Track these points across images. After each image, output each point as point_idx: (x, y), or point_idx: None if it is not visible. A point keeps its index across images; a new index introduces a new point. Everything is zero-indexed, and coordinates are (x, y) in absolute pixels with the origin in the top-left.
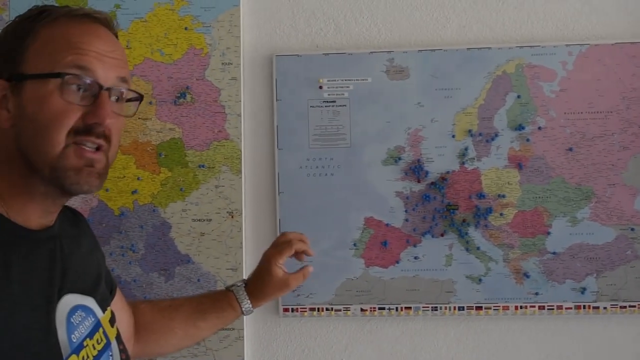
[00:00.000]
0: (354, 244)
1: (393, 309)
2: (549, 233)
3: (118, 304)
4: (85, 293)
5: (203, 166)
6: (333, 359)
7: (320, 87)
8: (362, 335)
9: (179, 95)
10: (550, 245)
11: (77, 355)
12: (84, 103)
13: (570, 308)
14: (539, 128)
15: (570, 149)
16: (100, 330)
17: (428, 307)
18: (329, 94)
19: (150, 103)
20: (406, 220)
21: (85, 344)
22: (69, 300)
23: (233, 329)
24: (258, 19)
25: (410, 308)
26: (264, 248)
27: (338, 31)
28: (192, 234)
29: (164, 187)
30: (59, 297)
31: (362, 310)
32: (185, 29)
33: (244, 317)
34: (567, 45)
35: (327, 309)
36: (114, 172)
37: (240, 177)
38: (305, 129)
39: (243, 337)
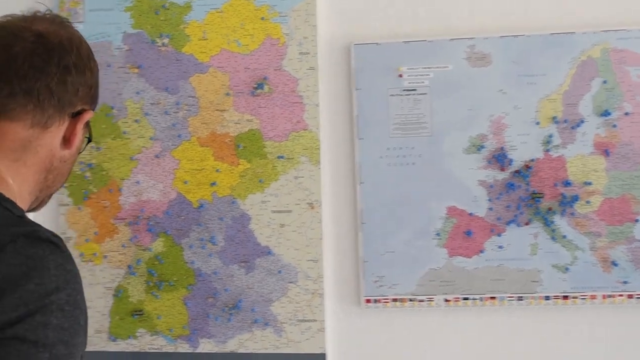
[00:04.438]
0: (437, 234)
1: (477, 299)
2: (637, 220)
3: None
4: None
5: (282, 157)
6: (416, 350)
7: (400, 76)
8: (445, 326)
9: (256, 86)
10: (639, 233)
11: None
12: None
13: None
14: (626, 114)
15: None
16: None
17: (513, 297)
18: (409, 82)
19: (228, 94)
20: (490, 209)
21: None
22: None
23: (315, 320)
24: (334, 7)
25: (494, 298)
26: (345, 239)
27: (417, 18)
28: (271, 225)
29: (243, 179)
30: None
31: (445, 300)
32: (262, 19)
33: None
34: None
35: (410, 300)
36: (192, 164)
37: (319, 168)
38: (385, 118)
39: (324, 328)
